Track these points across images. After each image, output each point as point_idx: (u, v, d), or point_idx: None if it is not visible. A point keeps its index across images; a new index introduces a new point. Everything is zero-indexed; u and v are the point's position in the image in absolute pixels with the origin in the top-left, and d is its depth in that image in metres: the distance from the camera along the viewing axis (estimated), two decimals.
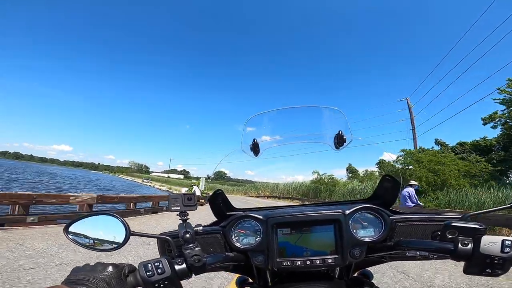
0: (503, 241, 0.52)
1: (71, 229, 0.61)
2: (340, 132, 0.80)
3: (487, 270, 0.53)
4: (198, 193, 15.20)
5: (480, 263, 0.53)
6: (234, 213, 0.84)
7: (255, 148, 0.84)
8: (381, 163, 13.51)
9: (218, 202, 0.84)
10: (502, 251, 0.51)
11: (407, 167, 13.13)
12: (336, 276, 0.81)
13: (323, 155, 0.97)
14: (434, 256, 0.65)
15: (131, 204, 9.50)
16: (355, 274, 0.86)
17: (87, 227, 0.62)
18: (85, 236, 0.61)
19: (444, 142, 17.72)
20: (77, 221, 0.62)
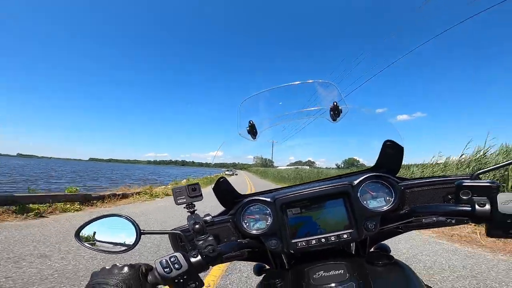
0: None
1: (81, 233, 0.61)
2: (335, 103, 0.76)
3: (511, 231, 0.49)
4: None
5: (501, 224, 0.49)
6: (241, 199, 0.81)
7: (252, 130, 0.80)
8: None
9: (223, 190, 0.82)
10: None
11: None
12: (353, 253, 0.79)
13: (325, 134, 0.95)
14: (452, 221, 0.61)
15: None
16: (372, 249, 0.83)
17: (97, 230, 0.61)
18: (97, 240, 0.61)
19: None
20: (86, 225, 0.61)
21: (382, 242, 0.84)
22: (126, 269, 0.52)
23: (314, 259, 0.68)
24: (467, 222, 0.57)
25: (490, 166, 0.60)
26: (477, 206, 0.52)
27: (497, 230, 0.51)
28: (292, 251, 0.69)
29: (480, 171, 0.60)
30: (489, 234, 0.52)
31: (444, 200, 0.68)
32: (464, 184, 0.56)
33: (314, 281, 0.60)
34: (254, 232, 0.73)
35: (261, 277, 0.76)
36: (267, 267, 0.86)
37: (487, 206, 0.51)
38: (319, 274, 0.61)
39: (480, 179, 0.60)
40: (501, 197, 0.50)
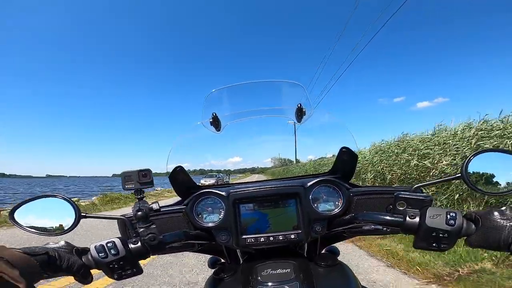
0: (447, 213, 0.50)
1: (16, 213, 0.58)
2: (300, 105, 0.78)
3: (434, 245, 0.52)
4: None
5: (427, 236, 0.51)
6: (196, 191, 0.79)
7: (215, 122, 0.80)
8: None
9: (179, 180, 0.80)
10: (447, 224, 0.50)
11: None
12: (305, 253, 0.80)
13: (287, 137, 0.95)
14: (388, 230, 0.65)
15: None
16: (323, 251, 0.85)
17: (34, 211, 0.59)
18: (32, 221, 0.58)
19: None
20: (22, 205, 0.58)
21: (333, 245, 0.87)
22: (62, 242, 0.52)
23: (267, 256, 0.69)
24: (399, 232, 0.59)
25: (431, 180, 0.59)
26: (407, 218, 0.54)
27: (422, 242, 0.53)
28: (242, 247, 0.70)
29: (421, 184, 0.62)
30: (415, 245, 0.54)
31: (386, 209, 0.70)
32: (400, 195, 0.58)
33: (261, 278, 0.62)
34: (206, 224, 0.72)
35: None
36: (223, 260, 0.87)
37: (417, 219, 0.53)
38: (267, 272, 0.63)
39: (422, 192, 0.63)
40: (431, 211, 0.52)
